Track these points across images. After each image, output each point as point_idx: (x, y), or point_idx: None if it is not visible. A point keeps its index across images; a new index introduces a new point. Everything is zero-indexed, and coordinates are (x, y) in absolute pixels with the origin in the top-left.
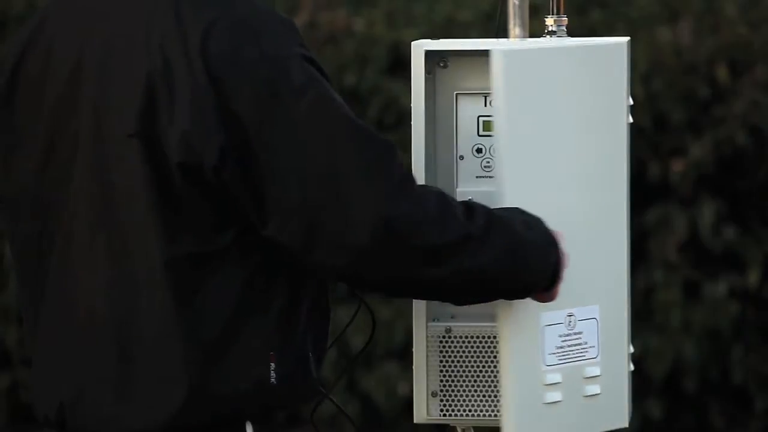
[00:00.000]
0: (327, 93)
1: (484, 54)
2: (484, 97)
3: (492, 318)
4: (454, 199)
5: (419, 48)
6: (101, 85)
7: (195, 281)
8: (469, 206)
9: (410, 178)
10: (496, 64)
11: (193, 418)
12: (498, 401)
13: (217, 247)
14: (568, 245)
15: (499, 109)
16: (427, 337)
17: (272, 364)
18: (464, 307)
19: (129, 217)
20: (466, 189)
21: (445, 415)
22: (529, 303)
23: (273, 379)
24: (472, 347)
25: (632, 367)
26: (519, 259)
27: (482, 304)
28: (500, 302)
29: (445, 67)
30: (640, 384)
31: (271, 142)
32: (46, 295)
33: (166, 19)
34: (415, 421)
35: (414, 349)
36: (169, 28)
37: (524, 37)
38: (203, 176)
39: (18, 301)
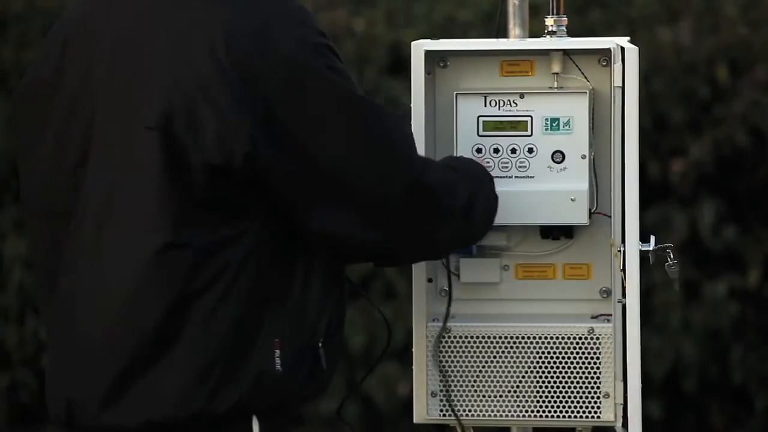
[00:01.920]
0: (347, 79)
1: (484, 54)
2: (483, 97)
3: (491, 318)
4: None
5: (419, 48)
6: (117, 81)
7: (205, 269)
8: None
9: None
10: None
11: (204, 408)
12: (497, 401)
13: (232, 234)
14: None
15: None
16: (427, 337)
17: (277, 351)
18: (464, 307)
19: (135, 206)
20: None
21: (444, 415)
22: None
23: (278, 366)
24: (472, 347)
25: None
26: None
27: (483, 305)
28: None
29: (445, 67)
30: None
31: (301, 124)
32: (59, 290)
33: (182, 20)
34: (414, 421)
35: (414, 349)
36: (189, 29)
37: (524, 37)
38: (233, 167)
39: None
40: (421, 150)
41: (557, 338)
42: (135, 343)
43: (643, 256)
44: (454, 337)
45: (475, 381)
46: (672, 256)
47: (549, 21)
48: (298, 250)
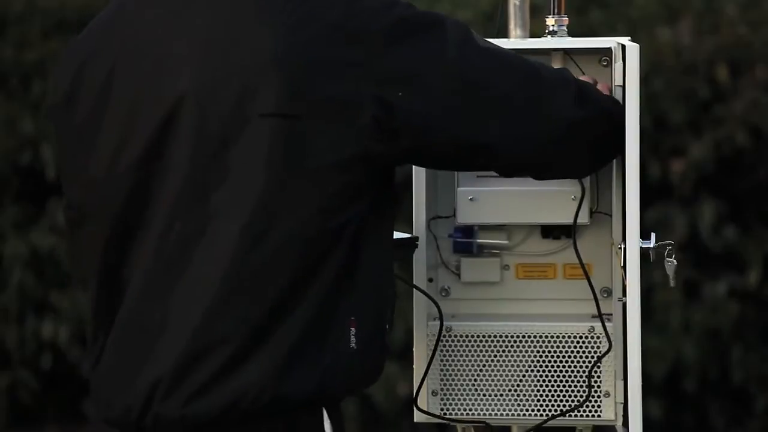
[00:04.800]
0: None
1: None
2: None
3: (492, 317)
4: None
5: None
6: (206, 79)
7: (316, 256)
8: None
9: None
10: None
11: (293, 393)
12: (497, 400)
13: (346, 218)
14: None
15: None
16: (427, 336)
17: (352, 329)
18: (464, 306)
19: (246, 195)
20: (467, 188)
21: (445, 414)
22: None
23: (353, 344)
24: (472, 346)
25: None
26: None
27: (484, 304)
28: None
29: None
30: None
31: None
32: (125, 287)
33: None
34: (415, 421)
35: (414, 349)
36: (281, 15)
37: (524, 37)
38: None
39: (92, 304)
40: None
41: (557, 338)
42: (251, 324)
43: (644, 253)
44: (455, 336)
45: (475, 380)
46: (670, 254)
47: (550, 21)
48: (383, 234)
